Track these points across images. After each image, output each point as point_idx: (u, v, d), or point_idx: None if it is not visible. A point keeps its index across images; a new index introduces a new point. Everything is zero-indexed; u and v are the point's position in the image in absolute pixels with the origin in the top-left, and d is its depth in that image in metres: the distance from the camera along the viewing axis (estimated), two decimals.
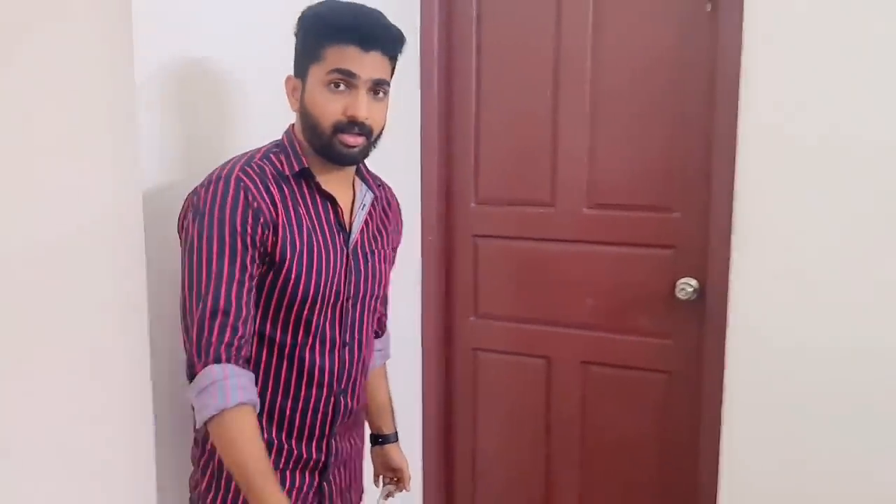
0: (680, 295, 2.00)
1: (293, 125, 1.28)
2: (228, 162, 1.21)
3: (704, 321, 1.97)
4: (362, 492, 1.49)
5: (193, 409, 1.14)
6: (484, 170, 2.28)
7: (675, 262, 2.04)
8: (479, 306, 2.34)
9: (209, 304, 1.11)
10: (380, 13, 1.23)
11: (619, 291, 2.12)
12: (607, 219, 2.11)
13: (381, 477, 1.61)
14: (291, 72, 1.27)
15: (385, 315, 1.57)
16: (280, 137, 1.28)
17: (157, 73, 1.33)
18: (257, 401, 1.16)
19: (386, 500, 1.57)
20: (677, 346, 2.07)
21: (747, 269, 1.86)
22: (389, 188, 1.47)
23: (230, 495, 1.23)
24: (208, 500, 1.24)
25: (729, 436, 1.93)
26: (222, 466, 1.20)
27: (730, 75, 1.83)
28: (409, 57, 1.70)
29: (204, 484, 1.25)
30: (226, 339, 1.11)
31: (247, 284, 1.14)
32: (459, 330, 2.38)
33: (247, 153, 1.23)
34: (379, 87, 1.21)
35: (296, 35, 1.24)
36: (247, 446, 1.12)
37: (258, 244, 1.16)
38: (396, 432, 1.60)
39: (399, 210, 1.49)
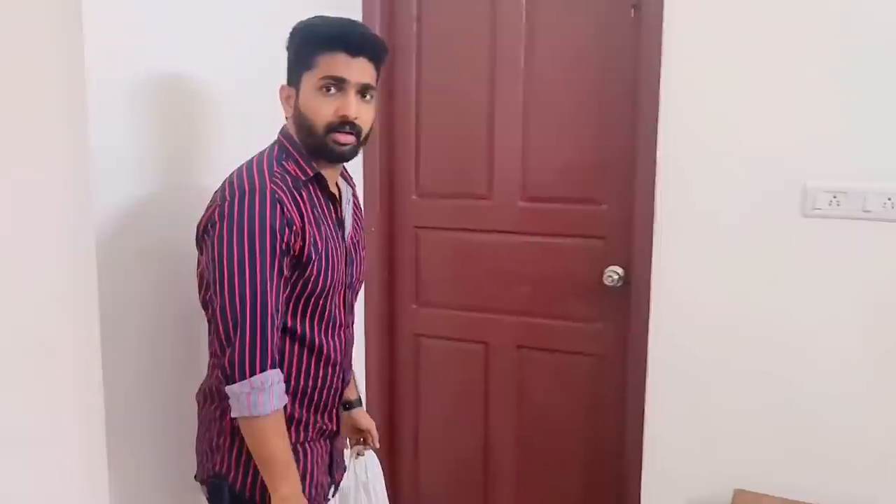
0: (607, 282, 2.13)
1: (285, 128, 1.38)
2: (251, 171, 1.28)
3: (629, 306, 2.09)
4: None
5: (230, 399, 1.25)
6: (424, 164, 2.36)
7: (603, 251, 2.16)
8: (420, 294, 2.43)
9: (259, 308, 1.22)
10: (365, 25, 1.36)
11: (551, 279, 2.24)
12: (540, 211, 2.23)
13: (348, 439, 1.73)
14: (251, 80, 1.41)
15: None
16: (277, 142, 1.37)
17: (114, 80, 1.38)
18: None
19: (356, 458, 1.69)
20: (605, 331, 2.19)
21: (668, 258, 1.98)
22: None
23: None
24: (248, 483, 1.35)
25: (652, 414, 2.05)
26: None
27: (651, 77, 1.95)
28: None
29: (241, 470, 1.35)
30: (276, 342, 1.24)
31: (283, 288, 1.27)
32: (402, 317, 2.47)
33: (262, 161, 1.31)
34: (366, 91, 1.33)
35: (287, 48, 1.35)
36: (286, 439, 1.28)
37: (289, 250, 1.27)
38: (360, 398, 1.73)
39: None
